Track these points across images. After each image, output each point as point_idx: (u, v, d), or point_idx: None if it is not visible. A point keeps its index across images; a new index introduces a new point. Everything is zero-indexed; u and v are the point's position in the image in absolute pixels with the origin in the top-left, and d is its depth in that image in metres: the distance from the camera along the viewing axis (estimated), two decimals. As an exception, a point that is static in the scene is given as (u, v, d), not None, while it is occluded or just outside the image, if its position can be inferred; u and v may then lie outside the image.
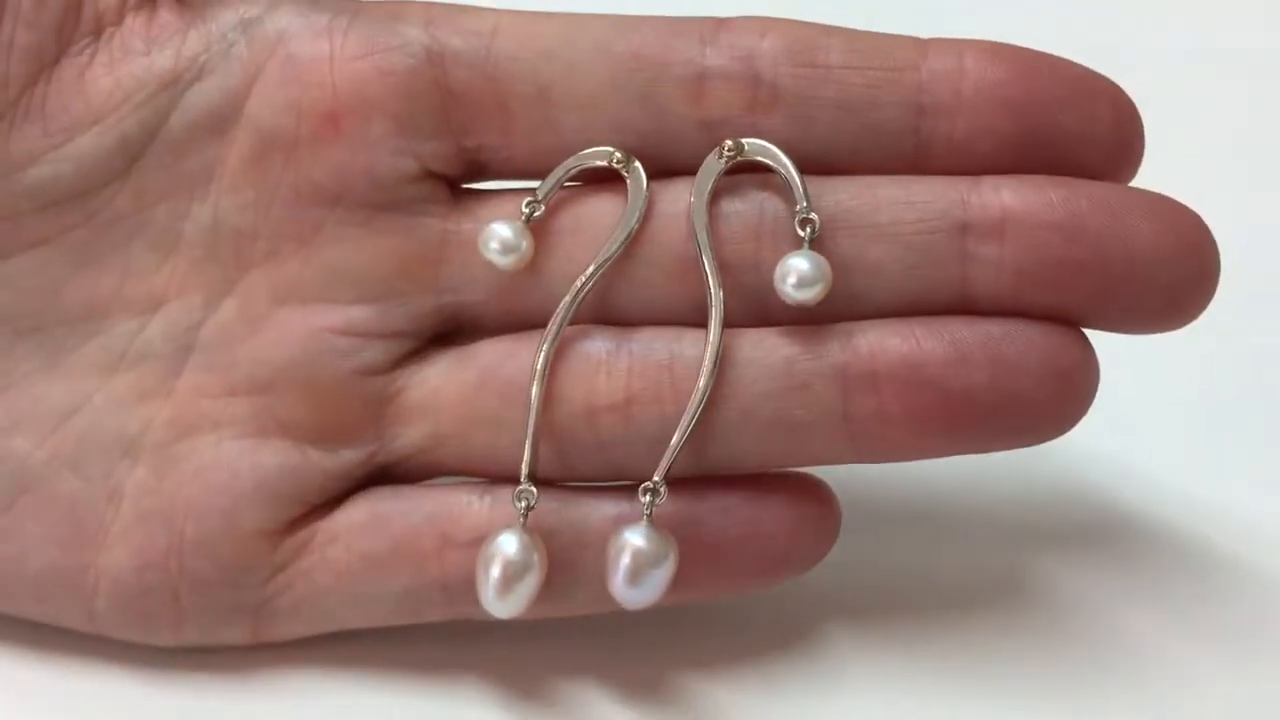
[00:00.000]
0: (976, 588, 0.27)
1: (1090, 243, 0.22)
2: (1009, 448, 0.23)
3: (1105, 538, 0.28)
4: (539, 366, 0.23)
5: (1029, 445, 0.23)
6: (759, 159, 0.23)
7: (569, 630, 0.25)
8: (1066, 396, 0.23)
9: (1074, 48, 0.24)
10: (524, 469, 0.23)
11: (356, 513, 0.24)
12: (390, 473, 0.25)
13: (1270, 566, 0.27)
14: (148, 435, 0.24)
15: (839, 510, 0.24)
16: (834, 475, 0.24)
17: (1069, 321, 0.23)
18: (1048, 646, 0.26)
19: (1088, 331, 0.23)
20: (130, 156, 0.24)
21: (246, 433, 0.24)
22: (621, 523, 0.23)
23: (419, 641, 0.25)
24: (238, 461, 0.24)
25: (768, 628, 0.26)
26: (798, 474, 0.24)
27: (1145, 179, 0.24)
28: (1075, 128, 0.23)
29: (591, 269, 0.23)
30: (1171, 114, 0.29)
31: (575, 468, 0.24)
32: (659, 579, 0.23)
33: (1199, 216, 0.23)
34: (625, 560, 0.22)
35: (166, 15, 0.24)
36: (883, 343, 0.23)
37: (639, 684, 0.25)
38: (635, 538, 0.22)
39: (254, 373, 0.24)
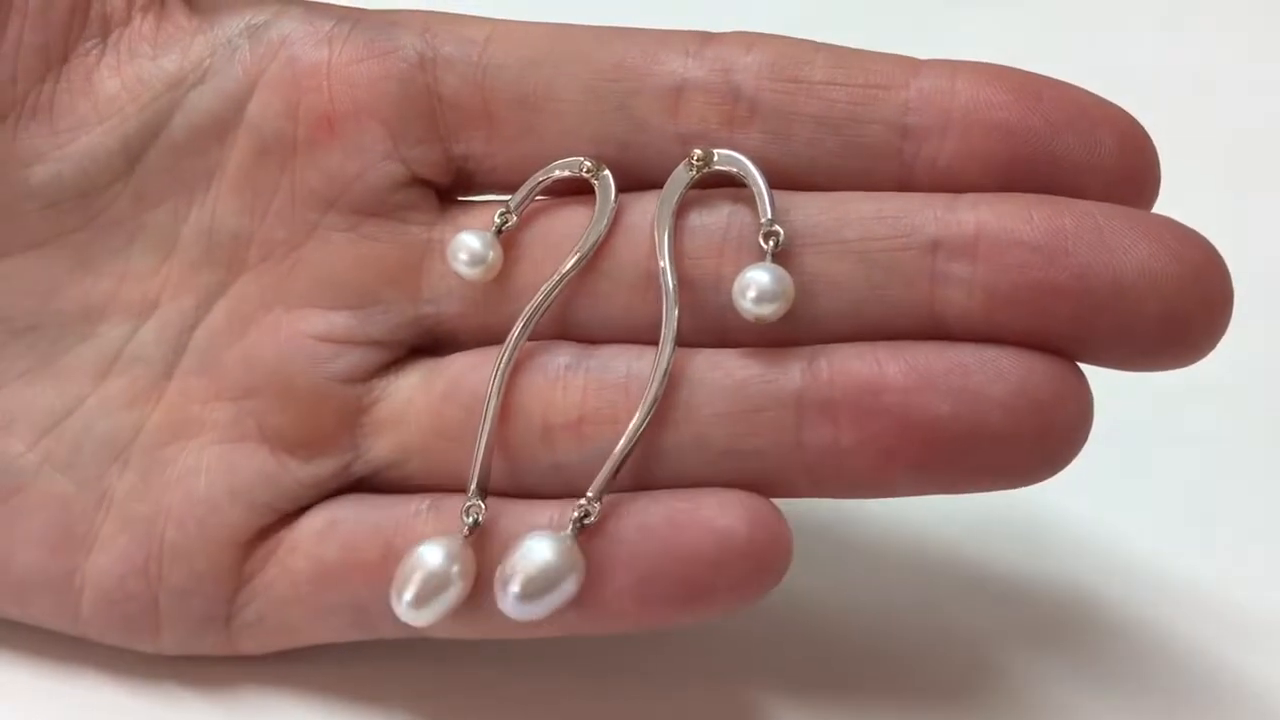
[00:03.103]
0: (932, 655, 0.25)
1: (1072, 264, 0.21)
2: (986, 489, 0.21)
3: (1071, 612, 0.26)
4: (495, 378, 0.23)
5: (1009, 487, 0.21)
6: (729, 170, 0.22)
7: (545, 656, 0.25)
8: (1044, 434, 0.21)
9: (1093, 76, 0.23)
10: (472, 483, 0.22)
11: (316, 520, 0.24)
12: (365, 486, 0.24)
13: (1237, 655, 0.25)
14: (139, 439, 0.24)
15: (785, 537, 0.21)
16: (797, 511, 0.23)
17: (1053, 351, 0.21)
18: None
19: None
20: (132, 157, 0.24)
21: (227, 438, 0.24)
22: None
23: (408, 659, 0.25)
24: (216, 467, 0.24)
25: (722, 664, 0.25)
26: (739, 494, 0.21)
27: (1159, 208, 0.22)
28: (1074, 155, 0.21)
29: (555, 279, 0.23)
30: (1193, 140, 0.27)
31: (529, 486, 0.23)
32: (548, 595, 0.21)
33: (1206, 240, 0.21)
34: (514, 567, 0.21)
35: (175, 19, 0.24)
36: (843, 366, 0.21)
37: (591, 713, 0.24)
38: (536, 547, 0.21)
39: (239, 377, 0.24)
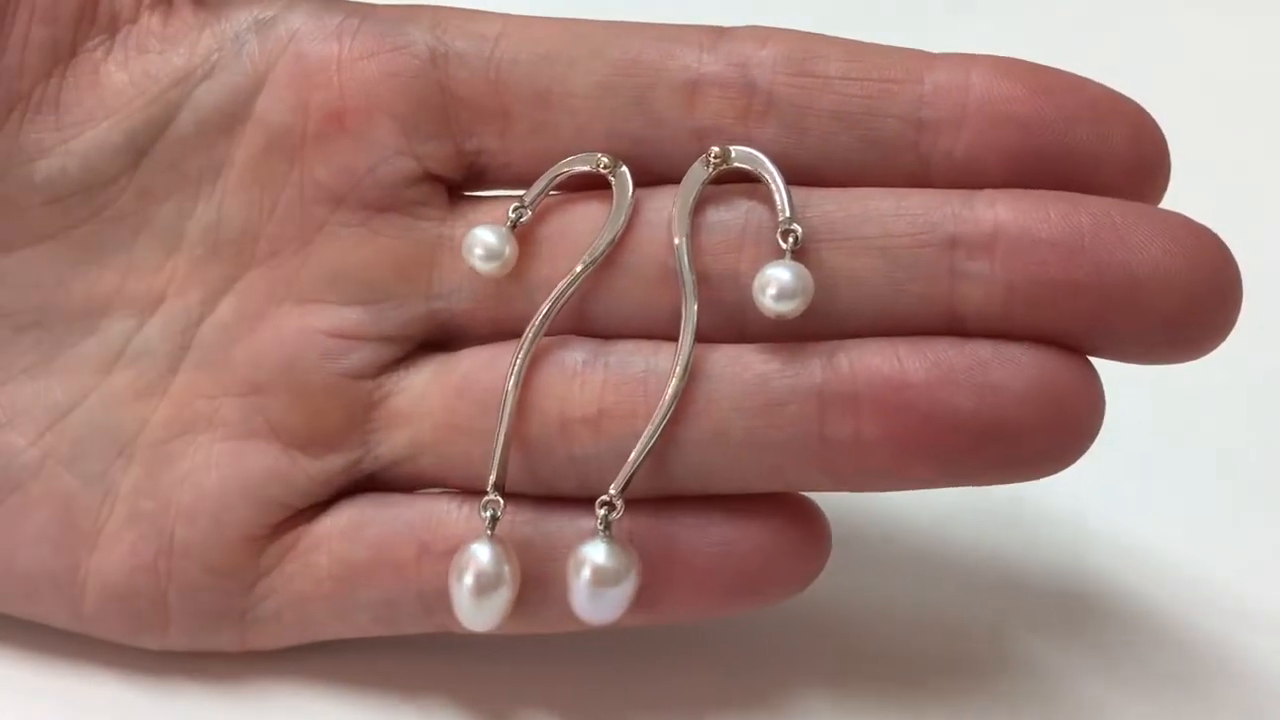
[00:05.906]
0: (951, 643, 0.26)
1: (1088, 261, 0.21)
2: (1002, 481, 0.22)
3: (1088, 601, 0.27)
4: (513, 374, 0.23)
5: (1025, 479, 0.22)
6: (746, 167, 0.23)
7: (544, 649, 0.25)
8: (1060, 427, 0.21)
9: (1103, 72, 0.23)
10: (491, 478, 0.23)
11: (340, 519, 0.24)
12: (376, 481, 0.24)
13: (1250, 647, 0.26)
14: (143, 435, 0.24)
15: (827, 532, 0.23)
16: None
17: (1068, 346, 0.21)
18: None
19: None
20: (138, 152, 0.24)
21: (236, 434, 0.24)
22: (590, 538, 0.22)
23: (405, 655, 0.25)
24: (226, 464, 0.24)
25: (738, 655, 0.25)
26: (782, 493, 0.23)
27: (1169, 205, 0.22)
28: (1087, 147, 0.22)
29: (572, 276, 0.23)
30: (1203, 140, 0.27)
31: (546, 481, 0.23)
32: (618, 595, 0.22)
33: (1217, 237, 0.21)
34: (585, 575, 0.22)
35: (183, 14, 0.24)
36: (864, 361, 0.22)
37: (609, 706, 0.24)
38: (593, 553, 0.22)
39: (247, 373, 0.24)
